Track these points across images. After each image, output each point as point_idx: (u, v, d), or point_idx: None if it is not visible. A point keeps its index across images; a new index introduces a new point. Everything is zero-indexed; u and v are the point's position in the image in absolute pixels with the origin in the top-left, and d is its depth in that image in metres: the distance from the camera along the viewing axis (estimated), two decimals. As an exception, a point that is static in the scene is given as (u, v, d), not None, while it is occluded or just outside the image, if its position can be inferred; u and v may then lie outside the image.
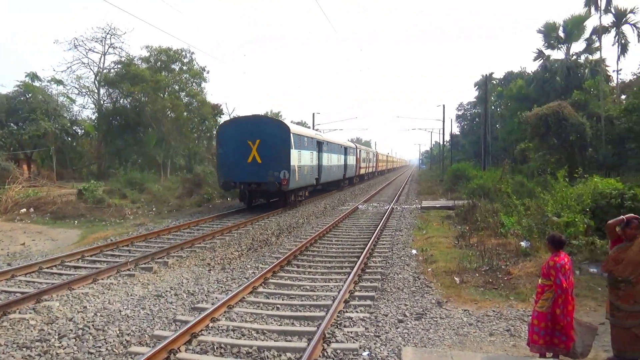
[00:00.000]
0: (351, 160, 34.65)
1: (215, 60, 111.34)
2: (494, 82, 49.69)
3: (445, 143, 59.02)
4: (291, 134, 19.41)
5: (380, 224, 16.09)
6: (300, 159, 20.68)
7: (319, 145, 24.32)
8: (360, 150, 39.98)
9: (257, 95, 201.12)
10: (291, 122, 34.72)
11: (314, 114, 51.26)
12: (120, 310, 7.46)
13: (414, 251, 11.89)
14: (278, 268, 10.15)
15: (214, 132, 34.65)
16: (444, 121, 53.33)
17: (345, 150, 32.37)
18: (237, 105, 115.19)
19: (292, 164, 19.30)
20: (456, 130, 67.66)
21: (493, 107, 49.92)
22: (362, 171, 41.55)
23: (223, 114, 39.62)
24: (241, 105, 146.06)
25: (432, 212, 19.60)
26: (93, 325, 6.81)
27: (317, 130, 35.29)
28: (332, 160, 27.63)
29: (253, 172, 18.92)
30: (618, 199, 11.32)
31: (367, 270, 10.05)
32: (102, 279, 9.21)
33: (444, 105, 56.88)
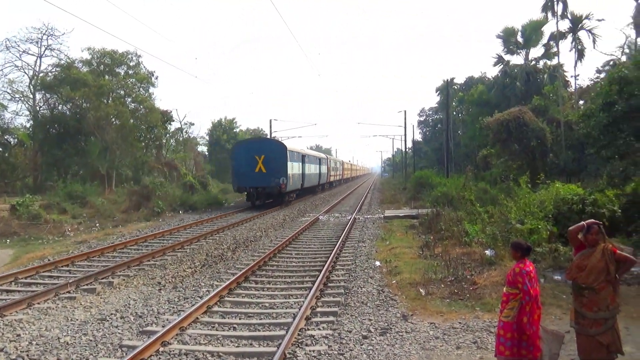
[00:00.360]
0: (324, 169, 43.74)
1: (166, 64, 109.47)
2: (455, 87, 51.14)
3: (407, 150, 60.45)
4: (287, 151, 28.81)
5: (343, 235, 16.23)
6: (293, 168, 29.77)
7: (303, 158, 33.45)
8: (330, 160, 48.51)
9: (212, 100, 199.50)
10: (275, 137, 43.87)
11: (270, 121, 51.57)
12: (58, 338, 7.21)
13: (377, 263, 11.98)
14: (235, 285, 10.02)
15: (164, 140, 37.29)
16: (405, 127, 54.89)
17: (320, 161, 41.66)
18: (189, 111, 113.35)
19: (288, 172, 28.64)
20: (418, 137, 69.62)
21: (455, 113, 51.30)
22: (332, 178, 51.51)
23: (173, 120, 38.96)
24: (193, 112, 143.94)
25: (395, 222, 19.90)
26: (28, 355, 6.55)
27: (283, 136, 44.85)
28: (311, 169, 36.78)
29: (260, 179, 28.06)
30: (579, 204, 11.71)
31: (329, 285, 10.05)
32: (38, 304, 8.89)
33: (405, 112, 57.71)
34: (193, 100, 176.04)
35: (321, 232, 17.93)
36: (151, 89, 36.66)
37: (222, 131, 54.35)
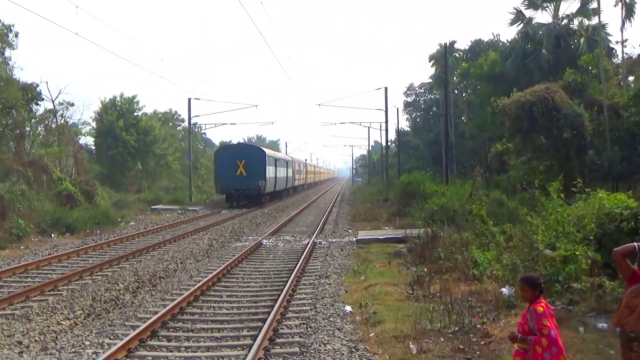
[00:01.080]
0: (290, 172, 59.86)
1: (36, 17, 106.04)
2: (457, 54, 51.57)
3: (389, 144, 60.90)
4: (266, 156, 45.72)
5: (297, 267, 16.37)
6: (269, 172, 46.54)
7: (275, 162, 50.52)
8: (294, 163, 64.98)
9: (103, 72, 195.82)
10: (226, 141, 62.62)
11: (190, 101, 51.11)
12: None
13: (348, 308, 12.09)
14: (136, 343, 9.88)
15: (27, 128, 38.94)
16: (386, 112, 53.65)
17: (287, 164, 57.89)
18: (68, 84, 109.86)
19: (267, 175, 45.01)
20: (405, 125, 70.52)
21: (456, 92, 51.66)
22: (296, 183, 67.46)
23: (41, 99, 37.92)
24: (72, 87, 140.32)
25: (373, 248, 20.11)
26: None
27: (209, 124, 64.52)
28: (281, 172, 53.39)
29: (241, 181, 43.44)
30: (631, 221, 11.89)
31: (277, 341, 10.03)
32: None
33: (385, 89, 52.66)
34: (75, 70, 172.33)
35: (265, 264, 18.00)
36: (8, 52, 35.57)
37: (116, 114, 53.41)
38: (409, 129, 70.16)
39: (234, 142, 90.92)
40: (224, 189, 44.41)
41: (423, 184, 32.61)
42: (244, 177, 43.44)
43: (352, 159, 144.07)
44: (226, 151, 46.87)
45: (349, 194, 71.34)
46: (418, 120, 64.61)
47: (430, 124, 59.33)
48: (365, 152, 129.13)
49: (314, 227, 29.16)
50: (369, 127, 75.29)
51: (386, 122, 54.32)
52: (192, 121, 54.34)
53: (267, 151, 49.31)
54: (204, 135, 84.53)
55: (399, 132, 67.19)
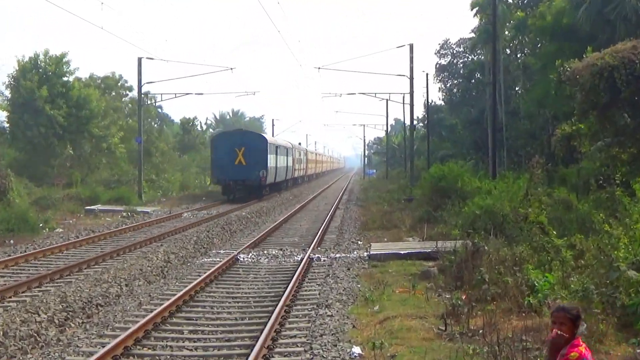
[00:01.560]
0: (290, 161, 68.02)
1: None
2: (510, 0, 50.86)
3: (415, 123, 61.09)
4: (268, 143, 54.75)
5: (287, 291, 16.31)
6: (271, 161, 54.38)
7: (276, 149, 58.30)
8: (295, 150, 73.60)
9: (21, 22, 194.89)
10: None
11: (140, 61, 50.56)
12: None
13: (356, 350, 12.11)
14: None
15: None
16: (411, 79, 53.19)
17: (287, 152, 65.86)
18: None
19: (268, 165, 53.21)
20: (437, 98, 70.47)
21: (508, 52, 51.42)
22: (296, 174, 76.39)
23: None
24: None
25: (391, 267, 20.06)
26: None
27: (168, 93, 59.67)
28: (281, 161, 61.08)
29: (240, 171, 50.49)
30: None
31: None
32: None
33: (411, 47, 51.86)
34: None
35: (243, 288, 17.99)
36: None
37: (38, 80, 52.34)
38: (442, 103, 70.33)
39: (201, 119, 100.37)
40: (221, 179, 52.14)
41: (461, 179, 32.62)
42: (243, 166, 51.05)
43: (364, 143, 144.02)
44: (224, 138, 56.36)
45: (358, 190, 71.27)
46: (455, 90, 64.30)
47: (472, 97, 59.40)
48: (382, 134, 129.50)
49: (310, 237, 29.13)
50: (387, 100, 73.94)
51: (411, 93, 53.72)
52: (144, 89, 54.39)
53: (269, 138, 60.37)
54: (160, 110, 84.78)
55: (428, 107, 65.45)
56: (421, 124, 73.44)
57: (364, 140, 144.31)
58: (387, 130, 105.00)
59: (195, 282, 17.90)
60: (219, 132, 72.94)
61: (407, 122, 66.98)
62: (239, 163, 50.92)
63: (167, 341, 12.98)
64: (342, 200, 53.21)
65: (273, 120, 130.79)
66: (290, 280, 18.17)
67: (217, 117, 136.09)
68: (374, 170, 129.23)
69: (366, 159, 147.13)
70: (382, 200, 47.48)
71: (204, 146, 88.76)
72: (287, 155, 65.79)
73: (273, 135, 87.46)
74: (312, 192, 64.68)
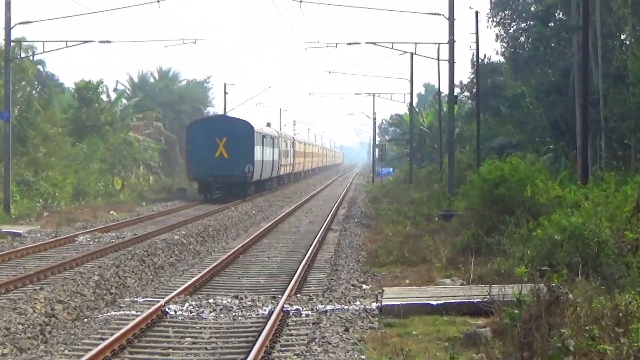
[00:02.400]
0: (276, 154, 64.48)
1: None
2: None
3: (458, 92, 52.68)
4: (254, 132, 52.60)
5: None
6: (257, 154, 53.59)
7: (263, 139, 56.96)
8: (280, 140, 69.09)
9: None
10: None
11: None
12: None
13: None
14: None
15: None
16: (451, 19, 38.26)
17: (273, 142, 62.52)
18: None
19: (255, 158, 52.14)
20: (493, 52, 58.81)
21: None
22: (282, 171, 71.59)
23: None
24: None
25: (416, 326, 16.72)
26: None
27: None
28: (267, 154, 58.52)
29: (221, 166, 49.80)
30: None
31: None
32: None
33: None
34: None
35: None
36: None
37: None
38: (501, 60, 54.76)
39: (109, 83, 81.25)
40: (198, 175, 50.76)
41: (531, 184, 26.89)
42: (225, 160, 49.43)
43: (374, 124, 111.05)
44: (201, 125, 54.74)
45: (364, 200, 59.19)
46: (522, 40, 48.99)
47: (550, 50, 47.06)
48: (402, 109, 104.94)
49: (285, 275, 23.91)
50: (411, 55, 58.92)
51: (451, 43, 39.83)
52: (15, 34, 39.95)
53: (255, 125, 55.70)
54: (42, 70, 68.51)
55: (479, 67, 49.61)
56: (467, 94, 61.73)
57: (374, 120, 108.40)
58: (411, 103, 75.28)
59: (93, 352, 13.73)
60: (196, 119, 66.86)
61: (445, 90, 54.76)
62: (219, 156, 49.34)
63: None
64: (337, 216, 44.36)
65: (225, 85, 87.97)
66: (251, 349, 14.10)
67: (134, 79, 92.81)
68: (391, 170, 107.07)
69: (377, 150, 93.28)
70: (402, 216, 39.31)
71: (112, 128, 63.34)
72: (272, 147, 63.15)
73: (225, 111, 79.96)
74: (294, 200, 57.17)
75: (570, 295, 14.20)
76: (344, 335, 15.90)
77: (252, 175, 50.33)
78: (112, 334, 15.44)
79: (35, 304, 18.59)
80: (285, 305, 18.33)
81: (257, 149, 52.45)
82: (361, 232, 35.63)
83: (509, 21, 50.03)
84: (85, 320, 17.98)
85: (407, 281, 22.35)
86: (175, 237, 32.20)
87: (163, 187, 65.53)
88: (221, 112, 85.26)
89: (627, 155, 36.01)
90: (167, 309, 18.21)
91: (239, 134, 49.99)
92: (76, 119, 60.60)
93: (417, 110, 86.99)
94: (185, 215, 43.23)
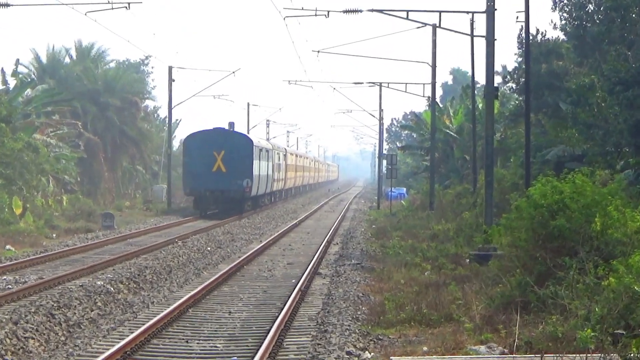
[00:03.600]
0: (270, 168, 73.81)
1: None
2: None
3: (501, 83, 52.19)
4: (254, 146, 69.31)
5: None
6: (255, 168, 69.40)
7: (260, 153, 70.73)
8: (274, 153, 78.52)
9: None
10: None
11: None
12: None
13: None
14: None
15: None
16: None
17: (268, 155, 73.48)
18: None
19: (254, 173, 67.67)
20: (548, 25, 50.79)
21: None
22: (275, 186, 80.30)
23: None
24: None
25: None
26: None
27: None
28: (262, 169, 70.26)
29: (218, 180, 64.42)
30: None
31: None
32: None
33: None
34: None
35: None
36: None
37: None
38: (561, 38, 49.67)
39: (5, 64, 69.37)
40: (194, 189, 60.87)
41: (602, 213, 24.94)
42: (222, 174, 60.52)
43: (381, 126, 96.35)
44: (199, 138, 64.73)
45: (364, 234, 53.77)
46: (590, 10, 44.98)
47: (628, 29, 41.29)
48: (421, 106, 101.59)
49: (252, 339, 22.64)
50: (433, 29, 53.65)
51: (490, 13, 37.98)
52: None
53: (254, 139, 69.44)
54: None
55: (528, 46, 41.80)
56: (512, 86, 54.65)
57: (381, 120, 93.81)
58: (432, 96, 65.76)
59: None
60: (194, 132, 74.46)
61: (480, 79, 48.75)
62: (217, 170, 60.19)
63: None
64: (327, 256, 40.72)
65: (171, 69, 79.92)
66: None
67: (42, 59, 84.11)
68: (404, 190, 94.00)
69: (385, 162, 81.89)
70: (419, 257, 35.77)
71: (9, 128, 57.25)
72: (267, 160, 73.75)
73: (171, 106, 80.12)
74: (266, 233, 53.68)
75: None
76: None
77: (250, 190, 60.68)
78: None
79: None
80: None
81: (255, 164, 62.82)
82: (361, 279, 33.18)
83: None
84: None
85: (425, 348, 21.21)
86: (98, 283, 30.78)
87: (81, 212, 59.17)
88: (163, 105, 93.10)
89: None
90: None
91: (238, 147, 60.81)
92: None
93: (440, 106, 75.68)
94: (111, 252, 40.51)
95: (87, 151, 72.38)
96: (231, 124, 75.84)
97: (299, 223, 63.00)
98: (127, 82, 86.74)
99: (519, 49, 51.92)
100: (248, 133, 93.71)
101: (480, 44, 41.72)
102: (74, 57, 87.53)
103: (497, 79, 45.82)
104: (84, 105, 76.89)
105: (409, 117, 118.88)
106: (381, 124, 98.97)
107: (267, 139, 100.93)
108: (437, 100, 71.55)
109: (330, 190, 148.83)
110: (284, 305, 26.72)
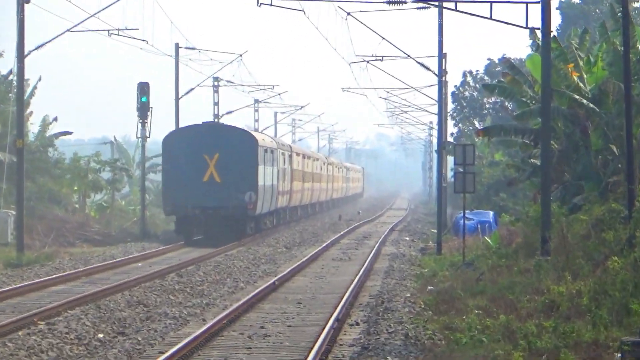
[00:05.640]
0: (275, 176, 57.53)
1: None
2: None
3: None
4: (258, 146, 49.73)
5: None
6: (260, 177, 52.28)
7: (264, 155, 54.30)
8: (279, 153, 61.49)
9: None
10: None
11: None
12: None
13: None
14: None
15: None
16: None
17: (273, 158, 57.27)
18: None
19: (259, 183, 49.66)
20: None
21: None
22: (279, 202, 60.54)
23: None
24: None
25: None
26: None
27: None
28: (267, 178, 54.50)
29: (211, 193, 47.77)
30: None
31: None
32: None
33: None
34: None
35: None
36: None
37: None
38: None
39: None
40: (177, 206, 46.03)
41: None
42: (217, 185, 46.55)
43: (440, 92, 51.47)
44: (184, 137, 48.96)
45: (409, 304, 27.98)
46: None
47: None
48: (520, 50, 61.75)
49: None
50: None
51: None
52: None
53: (259, 136, 52.26)
54: None
55: None
56: None
57: (442, 77, 51.94)
58: (544, 27, 31.99)
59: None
60: (177, 128, 57.35)
61: None
62: (210, 179, 46.37)
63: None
64: (339, 346, 21.94)
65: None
66: None
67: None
68: (490, 215, 53.62)
69: (451, 159, 57.16)
70: (520, 349, 20.86)
71: None
72: (272, 165, 55.87)
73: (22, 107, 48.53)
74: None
75: None
76: None
77: (254, 207, 46.81)
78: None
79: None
80: None
81: (261, 170, 48.88)
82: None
83: None
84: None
85: None
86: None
87: None
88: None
89: None
90: None
91: (237, 148, 46.99)
92: None
93: (562, 46, 39.89)
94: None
95: None
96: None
97: (289, 278, 36.00)
98: None
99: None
100: (262, 132, 76.75)
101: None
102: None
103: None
104: None
105: (499, 67, 71.83)
106: (442, 85, 53.21)
107: (269, 135, 71.14)
108: (554, 33, 39.01)
109: (348, 214, 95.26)
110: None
